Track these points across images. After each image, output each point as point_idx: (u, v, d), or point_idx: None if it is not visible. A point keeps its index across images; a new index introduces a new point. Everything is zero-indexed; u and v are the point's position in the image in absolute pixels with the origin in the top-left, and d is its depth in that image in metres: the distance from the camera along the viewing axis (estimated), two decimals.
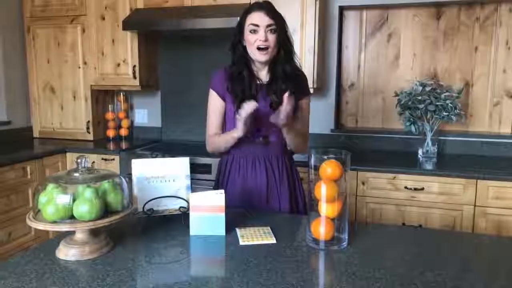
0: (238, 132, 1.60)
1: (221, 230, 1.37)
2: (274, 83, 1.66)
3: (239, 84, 1.66)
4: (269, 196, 1.71)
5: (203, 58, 3.27)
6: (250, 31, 1.60)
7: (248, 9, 1.64)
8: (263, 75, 1.70)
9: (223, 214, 1.36)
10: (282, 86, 1.63)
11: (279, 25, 1.61)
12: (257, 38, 1.58)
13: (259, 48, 1.60)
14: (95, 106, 3.40)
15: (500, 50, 2.85)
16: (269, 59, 1.63)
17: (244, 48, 1.65)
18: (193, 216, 1.37)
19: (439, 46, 2.96)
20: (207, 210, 1.36)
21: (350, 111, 3.20)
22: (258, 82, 1.69)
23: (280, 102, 1.61)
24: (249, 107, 1.51)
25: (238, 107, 1.61)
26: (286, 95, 1.49)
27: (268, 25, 1.58)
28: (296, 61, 1.71)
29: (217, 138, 1.74)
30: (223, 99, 1.72)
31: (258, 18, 1.58)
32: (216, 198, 1.37)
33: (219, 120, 1.75)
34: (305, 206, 1.79)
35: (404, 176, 2.44)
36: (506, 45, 2.83)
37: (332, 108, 3.10)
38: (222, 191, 1.39)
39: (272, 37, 1.59)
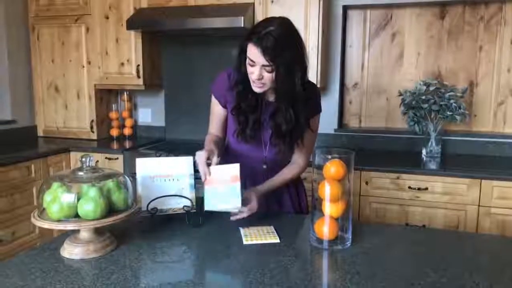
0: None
1: (237, 202, 1.32)
2: (280, 111, 1.50)
3: (244, 103, 1.53)
4: (270, 197, 1.69)
5: (207, 57, 3.27)
6: (248, 62, 1.42)
7: (250, 36, 1.40)
8: (271, 98, 1.57)
9: (238, 183, 1.31)
10: (287, 115, 1.49)
11: (279, 63, 1.37)
12: (252, 72, 1.42)
13: (253, 81, 1.45)
14: (99, 105, 3.41)
15: (505, 50, 2.83)
16: (263, 91, 1.48)
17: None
18: (207, 190, 1.33)
19: (443, 46, 2.95)
20: (222, 182, 1.32)
21: (353, 110, 3.19)
22: (266, 100, 1.57)
23: (280, 143, 1.53)
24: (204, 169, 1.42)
25: (240, 132, 1.55)
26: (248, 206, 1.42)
27: (264, 65, 1.38)
28: (303, 86, 1.48)
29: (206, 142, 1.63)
30: (224, 106, 1.64)
31: (254, 55, 1.38)
32: (230, 169, 1.33)
33: (219, 125, 1.69)
34: (307, 206, 1.79)
35: (408, 176, 2.44)
36: (511, 44, 2.82)
37: (336, 108, 3.10)
38: (237, 164, 1.35)
39: (268, 76, 1.40)
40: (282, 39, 1.37)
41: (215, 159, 1.43)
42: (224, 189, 1.33)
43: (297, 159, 1.66)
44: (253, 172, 1.63)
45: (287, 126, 1.50)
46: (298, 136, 1.55)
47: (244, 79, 1.50)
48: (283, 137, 1.53)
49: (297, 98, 1.47)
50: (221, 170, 1.35)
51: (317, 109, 1.65)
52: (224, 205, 1.34)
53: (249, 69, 1.44)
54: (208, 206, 1.35)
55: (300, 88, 1.46)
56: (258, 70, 1.40)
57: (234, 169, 1.34)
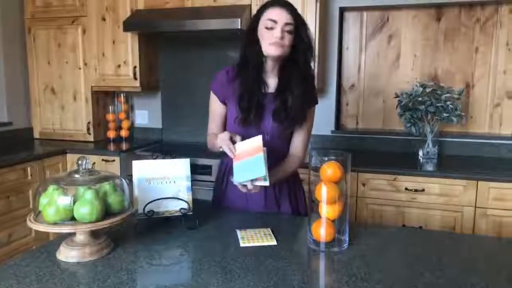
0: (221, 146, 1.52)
1: (261, 171, 1.36)
2: (281, 93, 1.56)
3: (246, 93, 1.56)
4: (267, 202, 1.70)
5: (204, 59, 3.27)
6: (266, 27, 1.48)
7: (267, 4, 1.51)
8: (271, 82, 1.62)
9: (261, 154, 1.37)
10: (289, 98, 1.55)
11: (299, 26, 1.49)
12: (272, 35, 1.47)
13: (272, 44, 1.49)
14: (95, 107, 3.40)
15: (501, 51, 2.85)
16: (281, 55, 1.50)
17: (259, 46, 1.53)
18: (236, 165, 1.40)
19: (439, 47, 2.96)
20: (247, 155, 1.39)
21: (350, 112, 3.20)
22: (265, 91, 1.60)
23: (284, 110, 1.56)
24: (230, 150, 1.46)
25: (242, 119, 1.57)
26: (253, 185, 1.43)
27: (287, 23, 1.46)
28: (311, 67, 1.59)
29: (212, 138, 1.69)
30: (223, 102, 1.67)
31: (278, 14, 1.47)
32: (254, 141, 1.40)
33: (218, 122, 1.72)
34: (305, 208, 1.79)
35: (405, 177, 2.44)
36: (507, 46, 2.83)
37: (333, 109, 3.10)
38: (260, 136, 1.42)
39: (288, 37, 1.48)
40: (294, 7, 1.52)
41: (238, 137, 1.48)
42: (250, 160, 1.39)
43: (296, 152, 1.70)
44: None
45: (296, 83, 1.55)
46: (305, 105, 1.59)
47: (253, 58, 1.54)
48: (289, 108, 1.57)
49: (308, 71, 1.57)
50: (245, 144, 1.42)
51: (315, 101, 1.69)
52: (250, 175, 1.38)
53: (267, 34, 1.48)
54: (238, 179, 1.40)
55: (310, 60, 1.56)
56: (280, 29, 1.46)
57: (256, 140, 1.41)
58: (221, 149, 1.50)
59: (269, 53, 1.51)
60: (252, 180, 1.39)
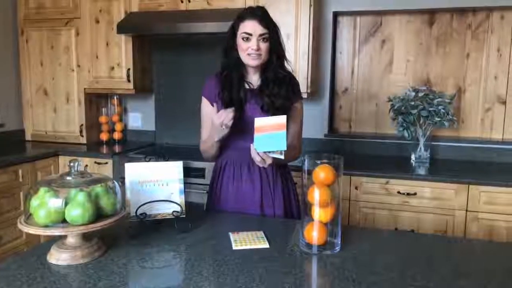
0: (216, 136, 1.63)
1: (283, 145, 1.45)
2: (266, 87, 1.67)
3: (227, 88, 1.67)
4: (263, 202, 1.71)
5: (198, 62, 3.27)
6: (243, 39, 1.61)
7: (242, 16, 1.63)
8: (255, 80, 1.72)
9: (285, 131, 1.45)
10: (274, 89, 1.66)
11: (272, 33, 1.62)
12: (249, 46, 1.60)
13: (249, 54, 1.61)
14: (88, 110, 3.38)
15: (492, 57, 2.88)
16: (259, 64, 1.65)
17: (237, 52, 1.66)
18: (257, 136, 1.47)
19: (432, 52, 2.99)
20: (270, 129, 1.47)
21: (343, 116, 3.21)
22: (249, 87, 1.70)
23: (272, 105, 1.64)
24: (226, 115, 1.54)
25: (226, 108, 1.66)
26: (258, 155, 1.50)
27: (261, 34, 1.59)
28: (287, 66, 1.72)
29: (205, 144, 1.75)
30: (213, 105, 1.71)
31: (251, 27, 1.59)
32: (277, 119, 1.47)
33: (211, 125, 1.74)
34: (299, 211, 1.80)
35: (397, 181, 2.46)
36: (498, 52, 2.86)
37: (326, 113, 3.11)
38: (285, 115, 1.47)
39: (264, 46, 1.61)
40: (267, 14, 1.65)
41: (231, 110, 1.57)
42: (272, 134, 1.47)
43: (292, 141, 1.74)
44: (247, 156, 1.64)
45: (278, 76, 1.66)
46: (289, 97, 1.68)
47: (232, 62, 1.66)
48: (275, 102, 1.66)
49: (283, 64, 1.68)
50: (268, 120, 1.49)
51: (300, 95, 1.78)
52: (271, 146, 1.47)
53: (245, 45, 1.61)
54: (259, 148, 1.48)
55: (285, 58, 1.70)
56: (255, 41, 1.59)
57: (281, 119, 1.47)
58: (222, 130, 1.56)
59: (248, 64, 1.66)
60: (269, 152, 1.49)
